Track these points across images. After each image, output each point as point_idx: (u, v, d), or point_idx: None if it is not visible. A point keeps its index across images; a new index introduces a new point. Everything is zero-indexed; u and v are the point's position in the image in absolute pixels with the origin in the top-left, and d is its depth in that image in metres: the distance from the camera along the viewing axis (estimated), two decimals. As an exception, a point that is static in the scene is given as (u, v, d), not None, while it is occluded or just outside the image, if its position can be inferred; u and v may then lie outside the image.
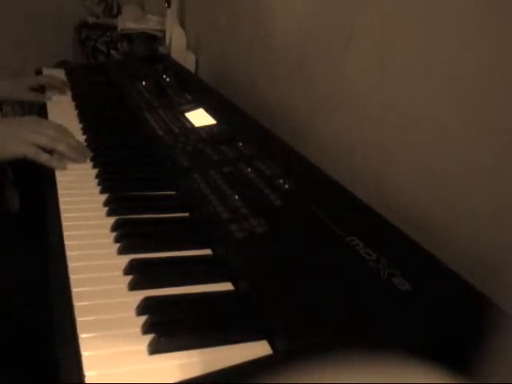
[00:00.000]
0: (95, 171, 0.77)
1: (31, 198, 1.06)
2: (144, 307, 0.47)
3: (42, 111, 1.09)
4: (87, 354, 0.42)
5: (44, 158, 0.78)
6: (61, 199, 0.68)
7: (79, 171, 0.77)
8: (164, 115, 0.99)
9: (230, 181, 0.70)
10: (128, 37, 1.87)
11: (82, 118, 1.02)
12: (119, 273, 0.53)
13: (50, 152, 0.79)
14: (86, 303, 0.48)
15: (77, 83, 1.27)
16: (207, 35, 1.50)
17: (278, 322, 0.45)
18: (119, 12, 2.16)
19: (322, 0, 0.90)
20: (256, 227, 0.58)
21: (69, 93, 1.20)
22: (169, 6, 1.60)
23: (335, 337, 0.43)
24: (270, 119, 0.99)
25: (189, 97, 1.08)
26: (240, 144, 0.81)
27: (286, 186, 0.67)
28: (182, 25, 1.61)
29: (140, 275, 0.52)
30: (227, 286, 0.52)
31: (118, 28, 1.89)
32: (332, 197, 0.66)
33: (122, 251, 0.56)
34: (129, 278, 0.52)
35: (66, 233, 0.60)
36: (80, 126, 0.97)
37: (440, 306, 0.47)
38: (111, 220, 0.62)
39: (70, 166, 0.79)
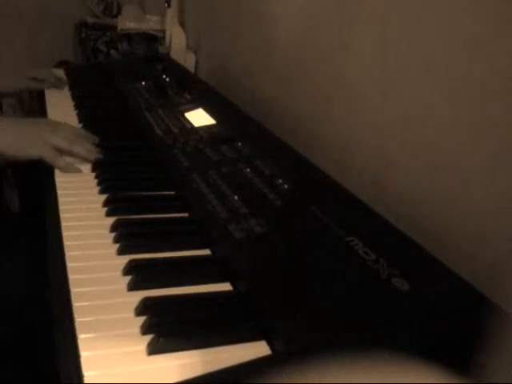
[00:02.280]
0: (95, 171, 0.77)
1: (31, 197, 1.06)
2: (143, 307, 0.47)
3: (42, 111, 1.09)
4: (86, 355, 0.42)
5: (61, 163, 0.76)
6: (60, 199, 0.68)
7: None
8: (164, 115, 0.99)
9: (229, 181, 0.70)
10: (128, 37, 1.86)
11: (82, 117, 1.02)
12: (118, 273, 0.53)
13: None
14: (85, 303, 0.48)
15: (77, 83, 1.27)
16: (207, 35, 1.50)
17: (277, 322, 0.45)
18: (119, 12, 2.16)
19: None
20: (255, 227, 0.58)
21: (68, 92, 1.20)
22: (169, 6, 1.60)
23: (335, 337, 0.43)
24: (269, 119, 0.99)
25: (188, 97, 1.08)
26: (240, 144, 0.81)
27: (286, 186, 0.67)
28: (182, 25, 1.61)
29: (139, 275, 0.52)
30: (226, 287, 0.52)
31: (118, 28, 1.88)
32: (332, 197, 0.66)
33: (121, 251, 0.56)
34: (128, 278, 0.52)
35: (65, 233, 0.60)
36: (79, 125, 0.97)
37: (439, 306, 0.47)
38: (110, 220, 0.62)
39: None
